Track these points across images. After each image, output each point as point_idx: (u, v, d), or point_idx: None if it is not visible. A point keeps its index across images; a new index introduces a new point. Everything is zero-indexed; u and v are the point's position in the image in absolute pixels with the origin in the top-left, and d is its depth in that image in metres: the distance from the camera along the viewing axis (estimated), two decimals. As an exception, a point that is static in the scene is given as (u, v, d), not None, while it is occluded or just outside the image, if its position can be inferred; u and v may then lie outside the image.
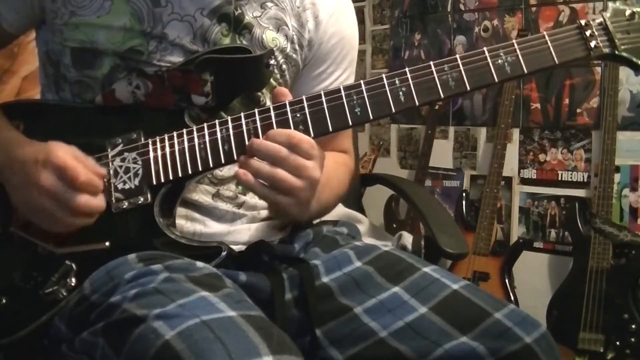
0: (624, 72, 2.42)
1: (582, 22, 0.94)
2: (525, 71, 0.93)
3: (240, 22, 1.04)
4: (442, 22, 2.97)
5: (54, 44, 1.04)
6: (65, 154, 0.89)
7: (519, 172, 2.77)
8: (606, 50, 0.94)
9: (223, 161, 0.93)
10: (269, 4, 1.08)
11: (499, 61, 0.93)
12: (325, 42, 1.13)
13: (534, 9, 2.67)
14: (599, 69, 2.53)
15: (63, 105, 1.05)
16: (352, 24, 1.19)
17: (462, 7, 2.90)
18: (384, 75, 0.93)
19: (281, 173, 0.89)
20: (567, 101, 2.62)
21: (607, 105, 2.37)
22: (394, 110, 0.93)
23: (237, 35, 1.04)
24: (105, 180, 0.94)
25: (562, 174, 2.66)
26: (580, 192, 2.60)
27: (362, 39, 2.54)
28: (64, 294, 0.90)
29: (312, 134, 0.92)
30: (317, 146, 0.92)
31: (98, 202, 0.90)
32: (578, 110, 2.60)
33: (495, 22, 2.79)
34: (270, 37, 1.06)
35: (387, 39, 3.20)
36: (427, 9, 3.02)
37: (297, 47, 1.10)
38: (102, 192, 0.91)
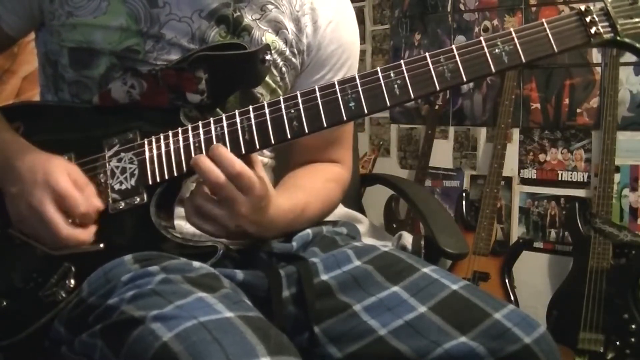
0: (624, 72, 2.42)
1: (582, 7, 0.91)
2: (524, 60, 0.90)
3: (239, 24, 1.04)
4: (442, 22, 2.96)
5: (52, 45, 1.04)
6: (65, 180, 0.90)
7: (519, 172, 2.77)
8: (607, 36, 0.90)
9: None
10: (269, 7, 1.07)
11: (496, 50, 0.90)
12: (323, 48, 1.12)
13: (534, 9, 2.67)
14: (599, 69, 2.53)
15: (61, 106, 1.05)
16: (352, 32, 1.18)
17: (462, 7, 2.89)
18: (378, 69, 0.91)
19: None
20: (567, 101, 2.62)
21: (607, 105, 2.37)
22: (388, 104, 0.91)
23: (235, 37, 1.04)
24: (102, 182, 0.94)
25: (562, 174, 2.65)
26: (580, 192, 2.60)
27: (362, 39, 2.53)
28: (63, 295, 0.91)
29: (307, 130, 0.92)
30: (260, 186, 0.90)
31: (85, 236, 0.91)
32: (578, 110, 2.59)
33: (495, 22, 2.79)
34: (270, 39, 1.06)
35: (387, 39, 3.19)
36: (427, 9, 3.01)
37: (295, 51, 1.10)
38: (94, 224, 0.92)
